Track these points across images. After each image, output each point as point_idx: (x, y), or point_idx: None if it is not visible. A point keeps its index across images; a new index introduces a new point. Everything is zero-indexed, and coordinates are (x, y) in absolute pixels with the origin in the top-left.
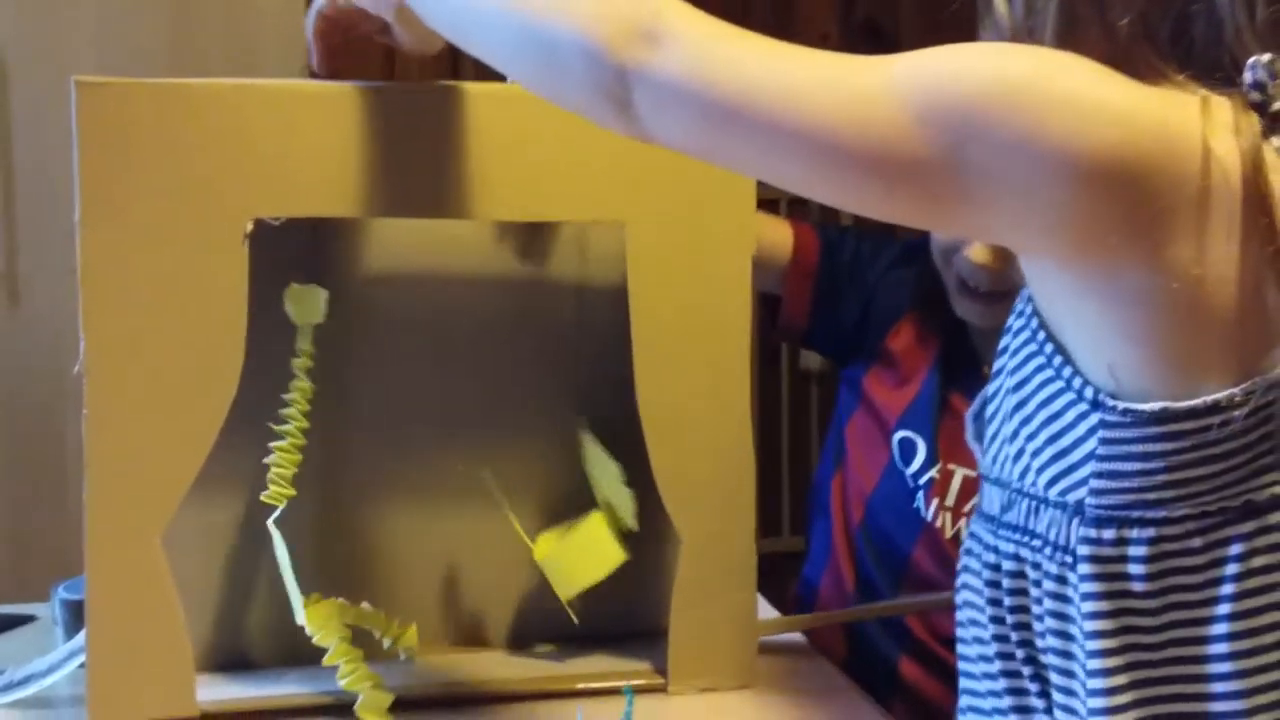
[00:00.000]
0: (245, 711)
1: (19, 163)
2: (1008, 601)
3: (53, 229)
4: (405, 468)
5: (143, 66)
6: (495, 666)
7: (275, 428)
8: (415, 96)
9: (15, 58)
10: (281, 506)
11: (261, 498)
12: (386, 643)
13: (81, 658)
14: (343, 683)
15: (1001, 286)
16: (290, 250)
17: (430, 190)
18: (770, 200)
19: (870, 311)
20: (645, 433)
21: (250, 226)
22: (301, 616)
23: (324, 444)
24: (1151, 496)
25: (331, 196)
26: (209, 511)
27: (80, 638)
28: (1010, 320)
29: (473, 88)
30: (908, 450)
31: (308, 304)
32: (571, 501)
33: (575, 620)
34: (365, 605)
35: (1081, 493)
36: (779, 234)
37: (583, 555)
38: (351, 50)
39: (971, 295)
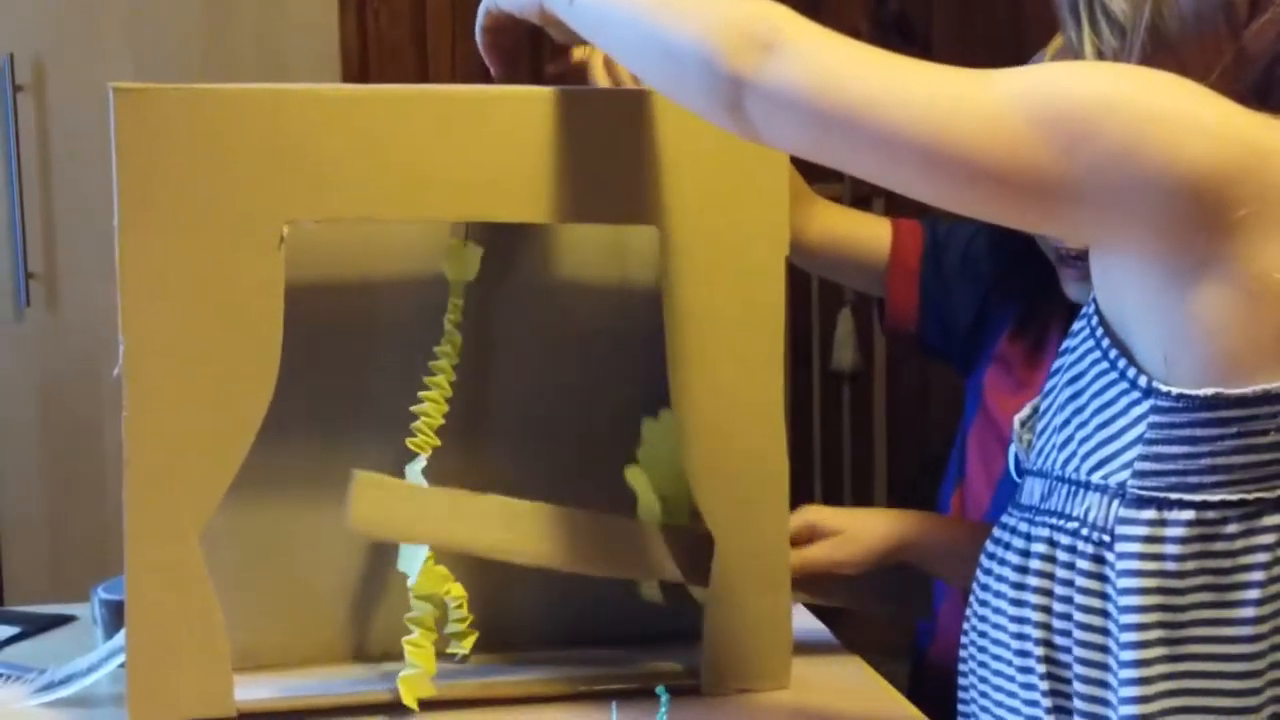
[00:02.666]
0: (282, 711)
1: (56, 169)
2: (1033, 583)
3: (90, 233)
4: (454, 464)
5: (177, 73)
6: (529, 667)
7: (426, 379)
8: (450, 100)
9: (53, 66)
10: (426, 455)
11: (407, 443)
12: (455, 627)
13: (121, 657)
14: (407, 647)
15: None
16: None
17: (463, 192)
18: (863, 197)
19: (987, 312)
20: (679, 433)
21: (285, 229)
22: (414, 572)
23: (378, 444)
24: (1193, 480)
25: (366, 200)
26: (246, 512)
27: (120, 637)
28: (1074, 325)
29: (503, 91)
30: None
31: (464, 261)
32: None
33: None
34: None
35: (1124, 475)
36: (877, 231)
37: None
38: (521, 52)
39: (1069, 262)
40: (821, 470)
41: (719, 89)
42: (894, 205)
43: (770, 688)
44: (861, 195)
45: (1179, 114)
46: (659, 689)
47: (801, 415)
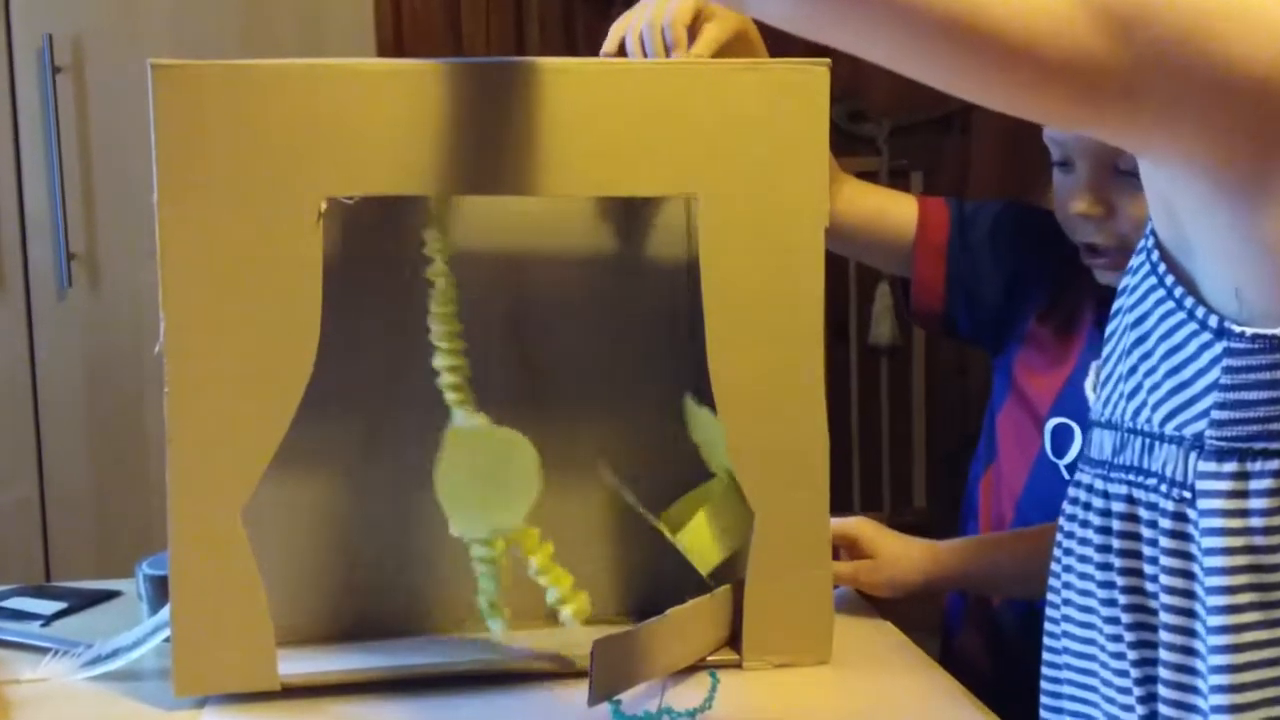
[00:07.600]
0: (325, 685)
1: (96, 150)
2: (1117, 545)
3: (130, 214)
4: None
5: (216, 49)
6: (571, 643)
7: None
8: (486, 73)
9: (91, 47)
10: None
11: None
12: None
13: (166, 631)
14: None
15: (1112, 241)
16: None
17: (502, 166)
18: (870, 172)
19: (1016, 289)
20: (718, 407)
21: (324, 205)
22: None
23: (418, 419)
24: (1277, 427)
25: (403, 174)
26: (288, 487)
27: (164, 612)
28: (1132, 260)
29: (543, 63)
30: (1062, 439)
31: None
32: (684, 474)
33: (712, 585)
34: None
35: (1200, 425)
36: (903, 208)
37: (712, 529)
38: None
39: (1093, 254)
40: (860, 445)
41: None
42: (931, 178)
43: (811, 661)
44: (899, 169)
45: (1244, 9)
46: (711, 674)
47: (839, 390)
